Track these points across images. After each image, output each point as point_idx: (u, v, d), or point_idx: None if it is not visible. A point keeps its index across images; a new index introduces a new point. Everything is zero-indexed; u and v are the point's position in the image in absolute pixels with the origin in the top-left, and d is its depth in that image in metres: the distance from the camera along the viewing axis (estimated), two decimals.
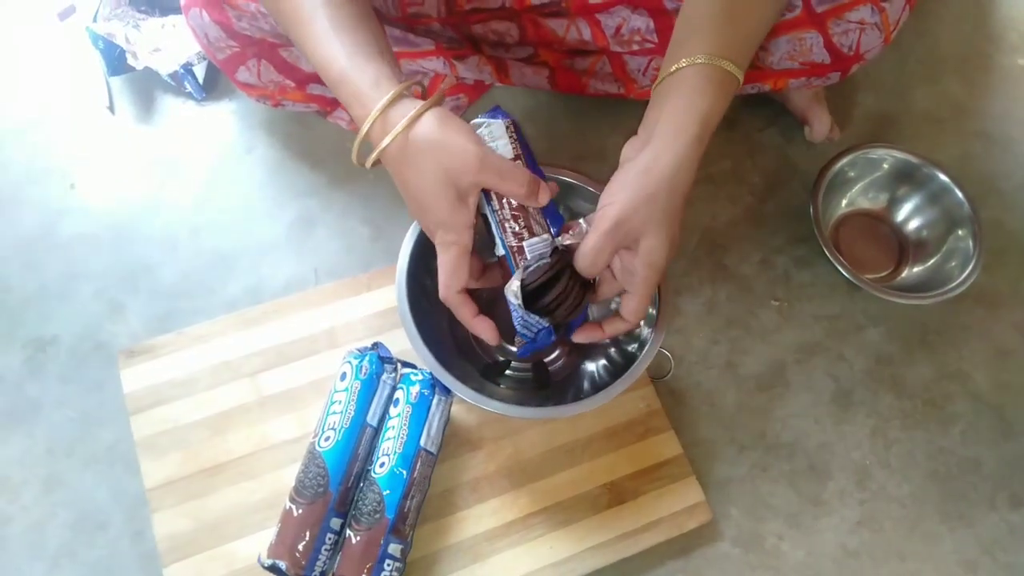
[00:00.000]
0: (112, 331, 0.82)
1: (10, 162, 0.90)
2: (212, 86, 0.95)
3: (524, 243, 0.57)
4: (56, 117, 0.93)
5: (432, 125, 0.53)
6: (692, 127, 0.55)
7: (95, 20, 0.90)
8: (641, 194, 0.54)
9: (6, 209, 0.88)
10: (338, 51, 0.55)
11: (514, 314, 0.58)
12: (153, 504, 0.72)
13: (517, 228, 0.57)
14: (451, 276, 0.57)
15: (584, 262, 0.56)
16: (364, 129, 0.54)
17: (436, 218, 0.55)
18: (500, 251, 0.58)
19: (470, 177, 0.53)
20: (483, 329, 0.59)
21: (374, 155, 0.55)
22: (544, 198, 0.56)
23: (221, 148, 0.93)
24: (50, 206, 0.88)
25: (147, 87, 0.95)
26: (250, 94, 0.85)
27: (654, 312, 0.71)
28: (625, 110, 0.93)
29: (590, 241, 0.55)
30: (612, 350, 0.78)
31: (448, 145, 0.53)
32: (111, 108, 0.93)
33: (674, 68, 0.56)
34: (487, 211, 0.57)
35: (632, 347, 0.74)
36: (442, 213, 0.54)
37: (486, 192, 0.56)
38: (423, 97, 0.56)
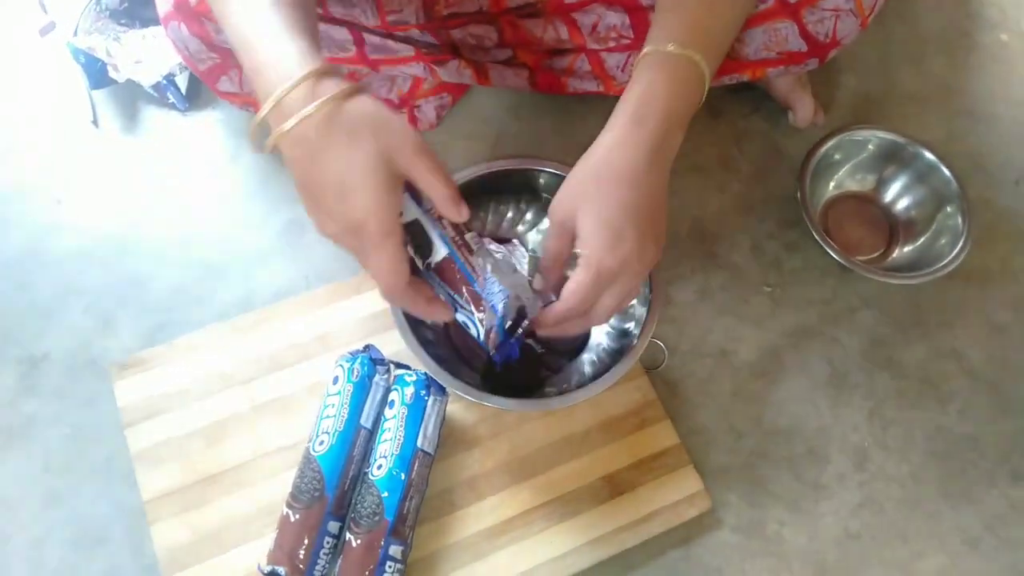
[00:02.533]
0: (104, 345, 0.82)
1: None
2: (195, 96, 0.95)
3: (467, 236, 0.56)
4: (41, 133, 0.93)
5: (368, 101, 0.49)
6: (626, 109, 0.56)
7: (75, 34, 0.90)
8: (572, 180, 0.57)
9: None
10: (272, 20, 0.51)
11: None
12: (151, 516, 0.72)
13: (451, 223, 0.56)
14: (394, 270, 0.51)
15: (543, 257, 0.60)
16: (280, 92, 0.47)
17: (364, 205, 0.48)
18: (442, 252, 0.55)
19: (406, 159, 0.49)
20: (440, 311, 0.57)
21: (294, 120, 0.47)
22: (464, 212, 0.53)
23: (207, 157, 0.93)
24: (38, 223, 0.88)
25: (130, 99, 0.94)
26: (233, 102, 0.85)
27: (647, 294, 0.71)
28: (608, 105, 0.93)
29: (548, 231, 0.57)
30: (603, 344, 0.78)
31: (387, 121, 0.49)
32: (95, 122, 0.93)
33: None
34: (417, 213, 0.54)
35: (624, 340, 0.74)
36: (373, 198, 0.48)
37: (413, 192, 0.53)
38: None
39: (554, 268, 0.61)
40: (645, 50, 0.57)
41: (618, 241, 0.54)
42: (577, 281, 0.55)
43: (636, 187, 0.55)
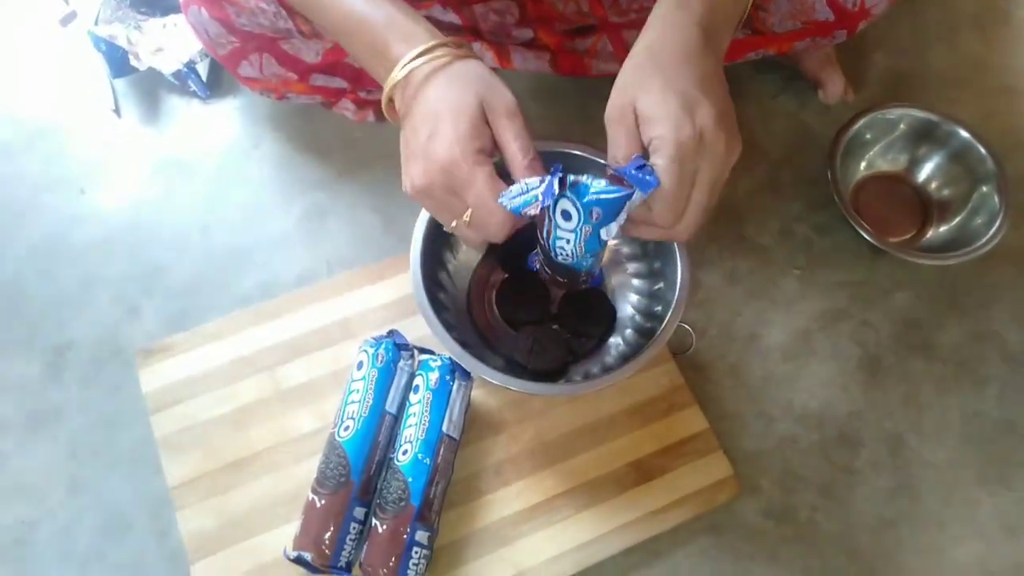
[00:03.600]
0: (129, 333, 0.82)
1: (22, 172, 0.91)
2: (216, 83, 0.95)
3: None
4: (64, 123, 0.93)
5: (477, 63, 0.52)
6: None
7: (96, 23, 0.90)
8: (629, 72, 0.51)
9: (20, 219, 0.88)
10: (388, 5, 0.54)
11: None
12: (177, 502, 0.72)
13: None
14: (496, 192, 0.51)
15: (609, 157, 0.52)
16: (408, 58, 0.51)
17: (452, 135, 0.50)
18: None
19: (496, 118, 0.51)
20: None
21: (405, 70, 0.51)
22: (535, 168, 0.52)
23: (228, 145, 0.92)
24: (63, 213, 0.88)
25: (151, 88, 0.94)
26: (253, 88, 0.85)
27: (675, 277, 0.69)
28: None
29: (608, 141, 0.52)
30: (630, 329, 0.76)
31: (490, 81, 0.51)
32: (117, 111, 0.93)
33: None
34: None
35: (652, 324, 0.73)
36: (461, 129, 0.50)
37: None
38: None
39: (616, 157, 0.52)
40: None
41: (694, 106, 0.48)
42: (659, 168, 0.49)
43: (697, 63, 0.50)
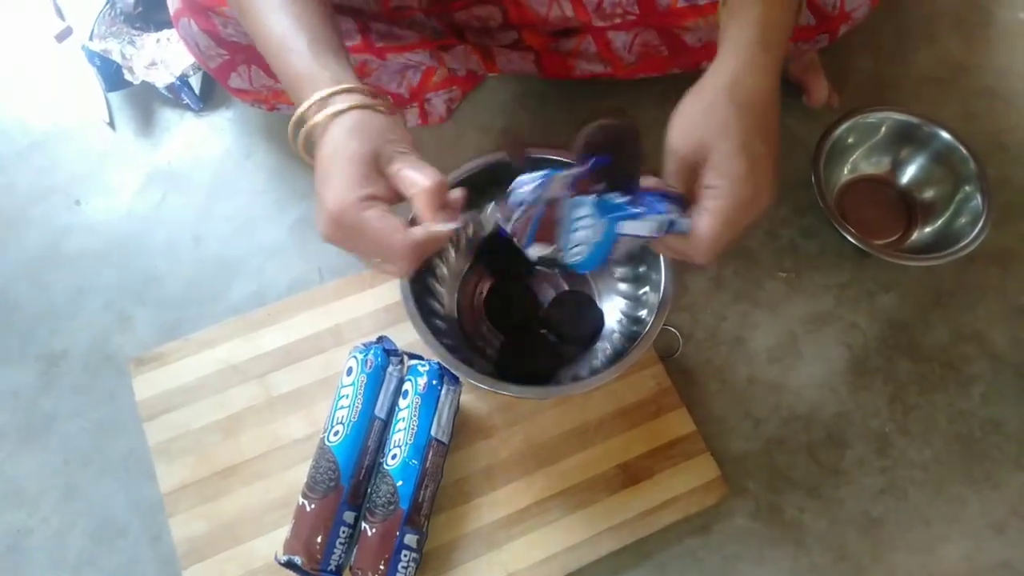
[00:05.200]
0: (121, 342, 0.83)
1: (16, 183, 0.92)
2: (209, 96, 0.96)
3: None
4: (59, 136, 0.94)
5: (368, 113, 0.52)
6: (749, 31, 0.53)
7: (91, 39, 0.91)
8: (698, 107, 0.52)
9: (14, 229, 0.89)
10: (302, 47, 0.54)
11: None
12: (169, 508, 0.73)
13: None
14: (393, 229, 0.50)
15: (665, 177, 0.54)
16: (302, 108, 0.52)
17: (338, 185, 0.50)
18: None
19: (388, 160, 0.51)
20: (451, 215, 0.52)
21: (308, 125, 0.52)
22: (440, 222, 0.51)
23: (221, 156, 0.94)
24: (57, 223, 0.89)
25: (145, 101, 0.96)
26: (244, 99, 0.86)
27: (660, 281, 0.70)
28: (617, 91, 0.93)
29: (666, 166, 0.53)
30: (617, 333, 0.77)
31: (378, 128, 0.51)
32: (111, 124, 0.95)
33: None
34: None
35: (638, 327, 0.74)
36: (346, 181, 0.50)
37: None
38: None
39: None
40: None
41: (758, 166, 0.51)
42: (718, 213, 0.51)
43: (773, 114, 0.52)
